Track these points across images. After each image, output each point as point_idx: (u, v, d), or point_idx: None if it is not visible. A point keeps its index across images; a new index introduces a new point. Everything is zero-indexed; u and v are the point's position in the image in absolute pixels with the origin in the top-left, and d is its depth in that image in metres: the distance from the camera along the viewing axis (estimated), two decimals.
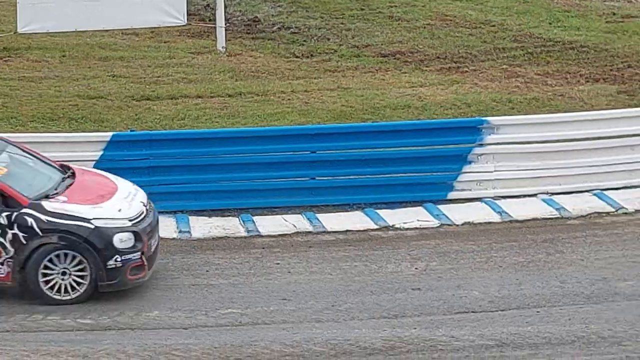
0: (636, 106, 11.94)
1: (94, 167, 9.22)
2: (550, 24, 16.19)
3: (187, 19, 15.31)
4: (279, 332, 7.02)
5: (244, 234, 9.03)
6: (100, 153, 9.63)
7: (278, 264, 8.41)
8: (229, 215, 9.27)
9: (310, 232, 9.19)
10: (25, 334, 7.22)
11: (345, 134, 10.52)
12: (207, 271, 8.39)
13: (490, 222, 9.74)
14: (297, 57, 14.89)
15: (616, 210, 9.79)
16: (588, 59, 14.44)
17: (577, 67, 14.05)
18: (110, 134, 10.04)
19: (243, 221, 9.32)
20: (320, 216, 9.62)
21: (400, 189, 10.20)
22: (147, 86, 13.15)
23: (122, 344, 6.94)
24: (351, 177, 10.24)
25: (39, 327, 7.34)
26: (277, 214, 9.80)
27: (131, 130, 10.32)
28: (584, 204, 10.06)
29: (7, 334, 7.05)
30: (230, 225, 9.12)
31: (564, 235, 9.28)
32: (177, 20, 15.04)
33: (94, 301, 7.68)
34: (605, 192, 10.26)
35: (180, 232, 9.12)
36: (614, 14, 17.33)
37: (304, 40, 15.71)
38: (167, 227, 9.09)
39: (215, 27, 15.07)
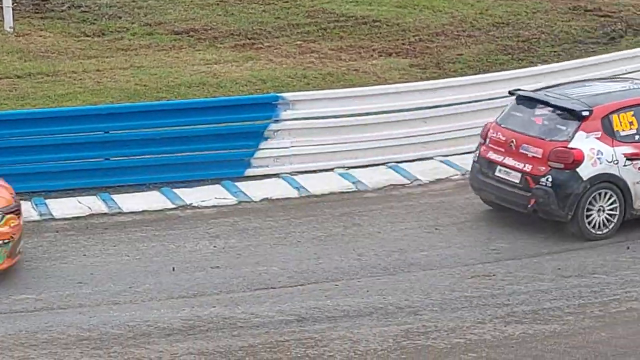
0: (428, 79, 12.62)
1: None
2: None
3: None
4: (75, 317, 6.95)
5: (37, 217, 8.79)
6: None
7: (73, 247, 8.23)
8: (19, 200, 8.83)
9: (105, 213, 9.03)
10: None
11: (139, 113, 10.32)
12: None
13: (288, 198, 9.92)
14: (88, 36, 14.55)
15: (411, 182, 10.11)
16: (381, 33, 15.06)
17: (370, 42, 14.63)
18: None
19: (35, 204, 9.05)
20: (116, 197, 9.45)
21: (197, 167, 10.18)
22: None
23: None
24: (146, 156, 10.12)
25: None
26: (71, 196, 9.52)
27: None
28: (379, 176, 10.35)
29: None
30: (22, 210, 8.66)
31: (361, 208, 9.53)
32: None
33: None
34: (400, 164, 10.58)
35: None
36: None
37: (95, 19, 15.38)
38: None
39: (1, 7, 14.33)
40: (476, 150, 9.33)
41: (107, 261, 7.96)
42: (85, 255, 8.08)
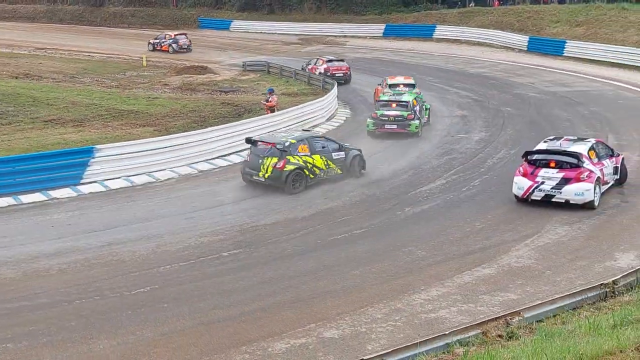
0: (163, 135, 21.04)
1: None
2: None
3: None
4: None
5: None
6: None
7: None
8: None
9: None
10: None
11: (32, 158, 17.94)
12: None
13: (101, 191, 17.38)
14: (2, 125, 23.71)
15: (156, 181, 18.17)
16: (138, 117, 25.31)
17: (135, 121, 24.68)
18: None
19: None
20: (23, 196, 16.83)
21: (59, 179, 17.36)
22: None
23: None
24: (25, 179, 17.01)
25: None
26: None
27: None
28: (143, 178, 18.15)
29: None
30: None
31: (138, 195, 17.47)
32: None
33: None
34: (153, 173, 18.63)
35: None
36: None
37: (4, 117, 24.85)
38: None
39: None
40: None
41: None
42: None
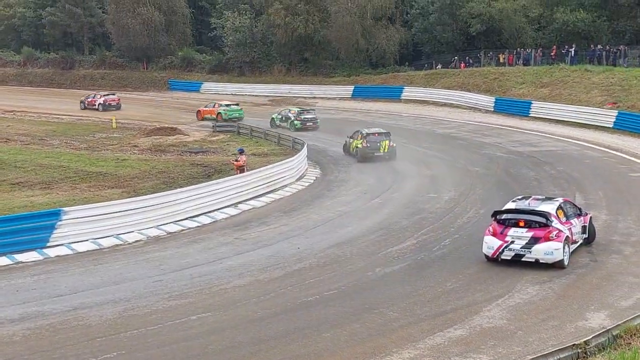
0: (131, 197, 21.11)
1: None
2: None
3: None
4: None
5: None
6: None
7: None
8: None
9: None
10: None
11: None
12: None
13: (68, 254, 17.10)
14: None
15: (124, 243, 18.55)
16: (106, 178, 25.28)
17: (103, 183, 24.59)
18: None
19: None
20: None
21: (25, 242, 17.11)
22: None
23: None
24: None
25: None
26: None
27: None
28: (109, 241, 18.06)
29: None
30: None
31: (101, 258, 16.80)
32: None
33: None
34: (120, 236, 18.91)
35: None
36: None
37: None
38: None
39: None
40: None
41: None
42: None
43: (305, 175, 27.67)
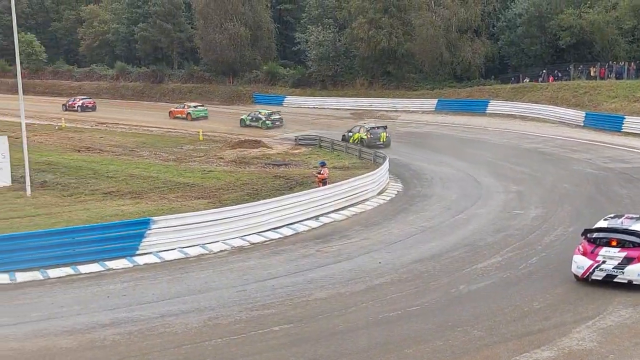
0: (218, 208, 21.09)
1: None
2: None
3: None
4: None
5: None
6: None
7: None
8: None
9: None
10: None
11: (97, 229, 18.39)
12: None
13: (156, 263, 18.01)
14: (65, 197, 24.58)
15: (209, 253, 19.99)
16: (194, 189, 25.84)
17: (190, 193, 25.10)
18: None
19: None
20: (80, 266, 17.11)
21: (115, 251, 18.07)
22: None
23: None
24: (91, 248, 17.58)
25: None
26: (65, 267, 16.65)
27: None
28: (196, 250, 18.71)
29: None
30: None
31: (188, 267, 18.71)
32: None
33: None
34: (207, 245, 18.98)
35: None
36: None
37: (67, 189, 25.96)
38: None
39: (25, 187, 26.03)
40: None
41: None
42: None
43: (386, 189, 27.54)
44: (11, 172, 24.83)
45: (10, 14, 26.71)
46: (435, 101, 54.87)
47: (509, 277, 16.39)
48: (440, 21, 55.45)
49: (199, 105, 55.89)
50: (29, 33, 78.13)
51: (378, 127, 39.47)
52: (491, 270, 16.93)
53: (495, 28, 57.74)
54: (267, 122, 48.74)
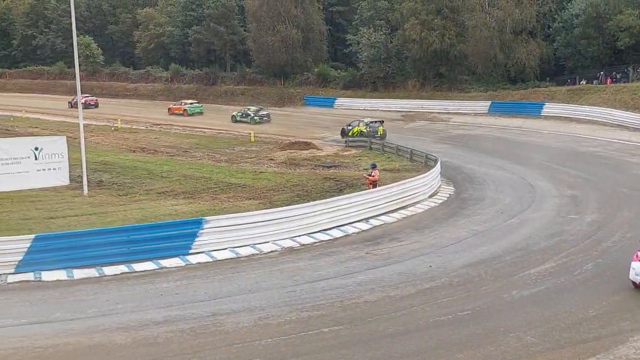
0: (267, 208, 21.13)
1: None
2: None
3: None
4: None
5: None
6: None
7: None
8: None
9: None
10: None
11: (146, 228, 18.99)
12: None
13: (207, 262, 17.95)
14: (120, 196, 25.25)
15: (260, 253, 21.12)
16: (245, 190, 26.12)
17: (240, 194, 25.37)
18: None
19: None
20: (135, 265, 18.13)
21: (169, 249, 18.21)
22: None
23: None
24: (144, 247, 17.76)
25: None
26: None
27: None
28: (248, 250, 19.51)
29: None
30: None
31: (235, 265, 21.88)
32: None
33: None
34: (257, 245, 19.44)
35: None
36: None
37: (122, 189, 26.76)
38: None
39: (82, 186, 26.79)
40: None
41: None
42: None
43: (438, 192, 27.29)
44: (69, 172, 25.50)
45: (70, 17, 27.49)
46: (488, 103, 54.13)
47: (563, 283, 16.05)
48: (494, 22, 54.73)
49: (195, 102, 61.23)
50: (87, 36, 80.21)
51: (375, 122, 43.39)
52: (545, 276, 16.61)
53: (550, 29, 56.62)
54: (255, 117, 53.39)
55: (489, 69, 56.85)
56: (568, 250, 18.75)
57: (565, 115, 48.53)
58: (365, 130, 42.69)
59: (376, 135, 41.87)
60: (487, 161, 34.27)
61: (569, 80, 54.18)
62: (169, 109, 60.75)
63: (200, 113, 58.68)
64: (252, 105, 57.84)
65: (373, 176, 25.29)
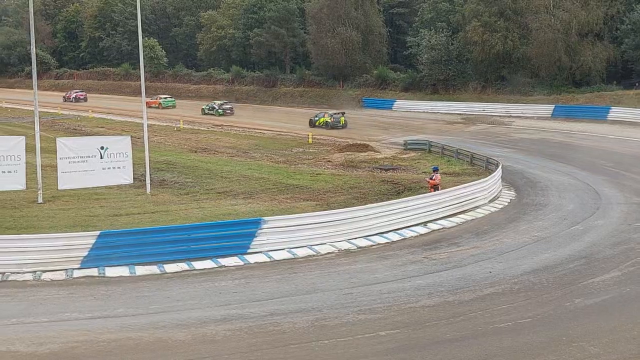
0: (324, 210, 21.51)
1: None
2: None
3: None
4: None
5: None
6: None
7: None
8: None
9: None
10: None
11: (206, 227, 19.04)
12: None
13: (265, 262, 18.19)
14: (181, 195, 25.98)
15: (317, 254, 19.74)
16: (303, 191, 26.45)
17: (298, 195, 25.68)
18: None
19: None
20: (195, 262, 18.33)
21: (228, 248, 18.35)
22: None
23: None
24: (204, 245, 18.05)
25: None
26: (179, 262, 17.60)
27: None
28: (305, 251, 19.53)
29: None
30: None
31: (294, 267, 21.01)
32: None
33: None
34: (314, 247, 19.60)
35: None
36: None
37: (184, 188, 27.36)
38: None
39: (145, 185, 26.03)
40: None
41: None
42: None
43: (499, 197, 26.79)
44: (133, 171, 26.18)
45: (136, 19, 28.20)
46: (551, 107, 52.95)
47: (629, 293, 15.54)
48: (559, 24, 53.52)
49: (168, 97, 71.08)
50: (151, 38, 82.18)
51: (338, 113, 51.61)
52: (609, 285, 16.11)
53: (618, 31, 54.93)
54: (219, 110, 61.69)
55: (553, 72, 55.62)
56: (634, 259, 18.14)
57: (633, 120, 47.03)
58: (330, 121, 50.75)
59: (338, 125, 50.26)
60: (550, 166, 33.48)
61: (637, 84, 52.46)
62: (147, 102, 68.20)
63: (173, 106, 68.09)
64: (218, 100, 66.42)
65: (434, 180, 25.04)
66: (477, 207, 24.87)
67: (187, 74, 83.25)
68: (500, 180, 28.25)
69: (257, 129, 51.33)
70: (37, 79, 26.28)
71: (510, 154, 37.18)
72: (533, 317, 14.10)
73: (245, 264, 18.21)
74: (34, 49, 25.87)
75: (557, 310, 14.56)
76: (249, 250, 18.96)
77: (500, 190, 27.77)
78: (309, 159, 36.86)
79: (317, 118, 52.36)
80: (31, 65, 26.47)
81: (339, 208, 22.48)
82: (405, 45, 68.16)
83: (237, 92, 74.35)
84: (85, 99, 76.51)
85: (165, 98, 70.46)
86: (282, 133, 49.37)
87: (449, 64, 61.79)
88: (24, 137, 25.03)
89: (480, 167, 32.24)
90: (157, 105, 67.77)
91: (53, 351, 12.40)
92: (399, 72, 67.93)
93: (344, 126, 50.75)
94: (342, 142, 42.70)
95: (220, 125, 53.98)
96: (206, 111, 62.60)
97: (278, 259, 18.67)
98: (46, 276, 17.04)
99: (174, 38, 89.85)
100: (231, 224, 19.90)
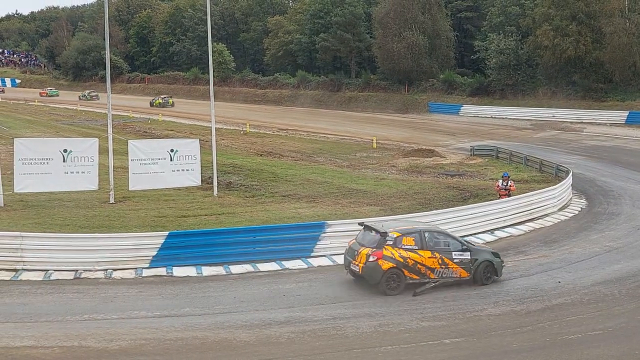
0: (382, 215, 20.74)
1: None
2: None
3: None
4: None
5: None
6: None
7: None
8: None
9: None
10: None
11: (272, 230, 19.05)
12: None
13: (329, 266, 18.30)
14: (247, 197, 26.16)
15: None
16: (365, 195, 26.29)
17: (362, 199, 25.45)
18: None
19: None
20: (260, 265, 18.54)
21: (292, 252, 18.27)
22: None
23: None
24: (269, 247, 18.08)
25: None
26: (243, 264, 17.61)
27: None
28: None
29: None
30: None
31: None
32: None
33: None
34: None
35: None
36: None
37: (249, 191, 27.68)
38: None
39: (212, 187, 26.38)
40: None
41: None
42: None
43: (569, 205, 26.09)
44: (201, 173, 26.68)
45: (205, 25, 28.79)
46: (626, 113, 51.24)
47: None
48: (634, 28, 51.83)
49: (52, 89, 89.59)
50: (220, 43, 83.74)
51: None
52: None
53: None
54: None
55: (628, 77, 53.84)
56: None
57: None
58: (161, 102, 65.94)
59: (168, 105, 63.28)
60: (624, 174, 32.37)
61: None
62: (40, 93, 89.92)
63: (57, 95, 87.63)
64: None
65: (511, 186, 24.58)
66: (546, 215, 24.30)
67: (254, 79, 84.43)
68: (571, 188, 27.48)
69: (321, 133, 51.59)
70: (110, 82, 27.07)
71: (581, 161, 36.17)
72: (604, 330, 13.66)
73: (308, 267, 18.28)
74: (109, 54, 26.66)
75: (629, 323, 14.06)
76: (312, 254, 18.97)
77: (571, 199, 27.03)
78: (372, 164, 36.78)
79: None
80: (105, 69, 27.29)
81: (403, 214, 22.30)
82: (472, 50, 67.31)
83: (302, 97, 74.99)
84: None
85: (50, 89, 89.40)
86: (346, 137, 49.43)
87: (518, 69, 60.61)
88: (97, 139, 25.84)
89: (549, 174, 31.46)
90: (45, 95, 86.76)
91: (122, 347, 12.75)
92: (466, 77, 67.10)
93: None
94: (407, 147, 42.41)
95: (285, 130, 54.33)
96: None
97: (341, 263, 18.50)
98: (117, 274, 17.53)
99: (242, 43, 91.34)
100: (296, 227, 20.05)
